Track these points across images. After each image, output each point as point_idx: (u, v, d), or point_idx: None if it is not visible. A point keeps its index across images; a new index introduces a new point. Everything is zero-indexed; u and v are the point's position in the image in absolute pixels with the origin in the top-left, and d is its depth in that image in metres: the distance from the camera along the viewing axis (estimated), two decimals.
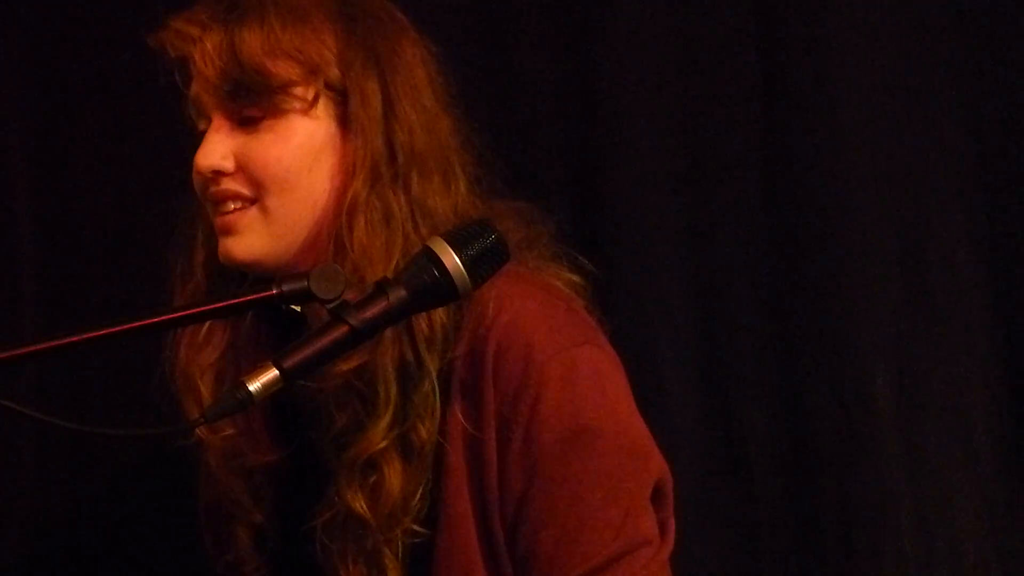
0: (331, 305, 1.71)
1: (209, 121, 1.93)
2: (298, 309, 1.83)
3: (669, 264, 2.59)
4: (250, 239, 1.91)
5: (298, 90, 1.89)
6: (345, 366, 1.85)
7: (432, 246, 1.73)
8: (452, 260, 1.72)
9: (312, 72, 1.89)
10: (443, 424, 1.89)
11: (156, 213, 2.69)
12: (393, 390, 1.86)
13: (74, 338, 1.69)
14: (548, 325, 1.88)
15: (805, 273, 2.56)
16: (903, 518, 2.50)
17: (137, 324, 1.71)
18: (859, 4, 2.54)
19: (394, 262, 1.86)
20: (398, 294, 1.72)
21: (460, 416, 1.88)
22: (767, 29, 2.58)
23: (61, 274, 2.76)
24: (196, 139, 1.96)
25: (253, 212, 1.91)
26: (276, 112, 1.90)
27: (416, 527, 1.88)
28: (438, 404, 1.87)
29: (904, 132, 2.54)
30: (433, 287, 1.73)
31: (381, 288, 1.72)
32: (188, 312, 1.76)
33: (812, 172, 2.56)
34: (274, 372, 1.66)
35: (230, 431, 1.98)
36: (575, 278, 1.99)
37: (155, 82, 2.68)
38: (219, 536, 2.08)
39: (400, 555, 1.89)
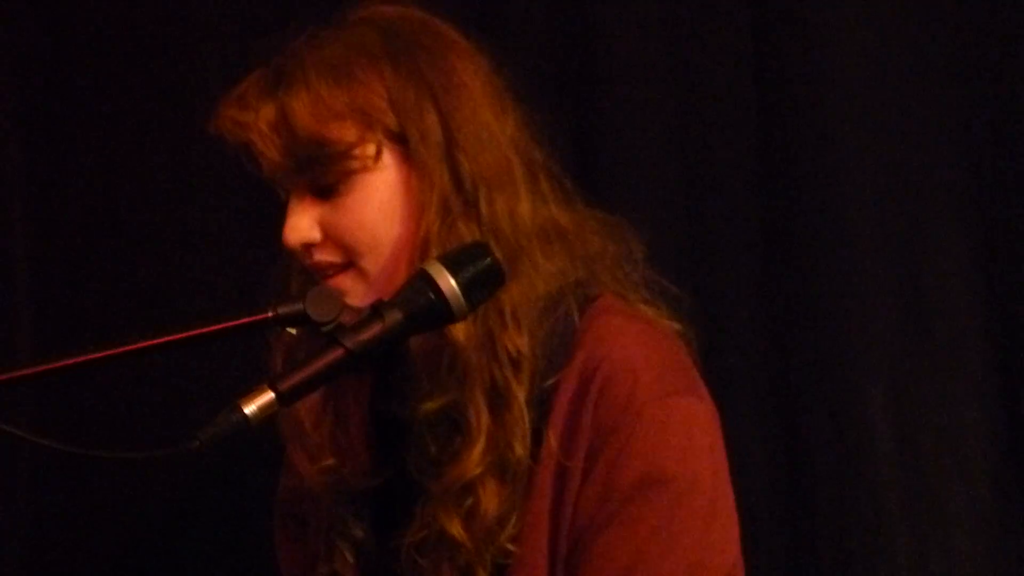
0: (326, 328, 1.72)
1: (288, 193, 1.93)
2: (293, 331, 1.83)
3: (663, 276, 2.59)
4: (355, 299, 1.88)
5: (358, 150, 1.88)
6: (433, 404, 1.87)
7: (427, 268, 1.74)
8: (447, 282, 1.72)
9: (368, 127, 1.88)
10: (537, 448, 1.90)
11: (154, 224, 2.73)
12: (485, 418, 1.87)
13: (71, 361, 1.69)
14: (657, 369, 1.89)
15: (800, 291, 2.57)
16: (898, 538, 2.50)
17: (133, 347, 1.71)
18: (854, 8, 2.55)
19: None
20: (394, 316, 1.72)
21: (554, 442, 1.88)
22: (762, 34, 2.58)
23: (57, 287, 2.77)
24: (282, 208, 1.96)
25: (351, 276, 1.91)
26: (345, 176, 1.88)
27: (509, 546, 1.89)
28: (527, 425, 1.87)
29: (900, 144, 2.55)
30: (429, 309, 1.73)
31: (377, 311, 1.72)
32: (184, 335, 1.76)
33: (807, 186, 2.56)
34: (270, 395, 1.66)
35: (330, 461, 1.99)
36: (677, 326, 2.00)
37: (154, 88, 2.71)
38: (297, 541, 2.09)
39: (490, 572, 1.90)
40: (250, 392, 1.66)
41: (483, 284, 1.75)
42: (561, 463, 1.88)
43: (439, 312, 1.73)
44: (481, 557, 1.89)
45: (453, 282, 1.73)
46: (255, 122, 1.88)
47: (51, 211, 2.77)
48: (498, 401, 1.87)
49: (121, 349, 1.70)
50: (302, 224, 1.90)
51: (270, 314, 1.75)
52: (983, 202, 2.54)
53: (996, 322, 2.53)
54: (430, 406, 1.87)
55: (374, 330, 1.71)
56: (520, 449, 1.87)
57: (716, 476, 1.92)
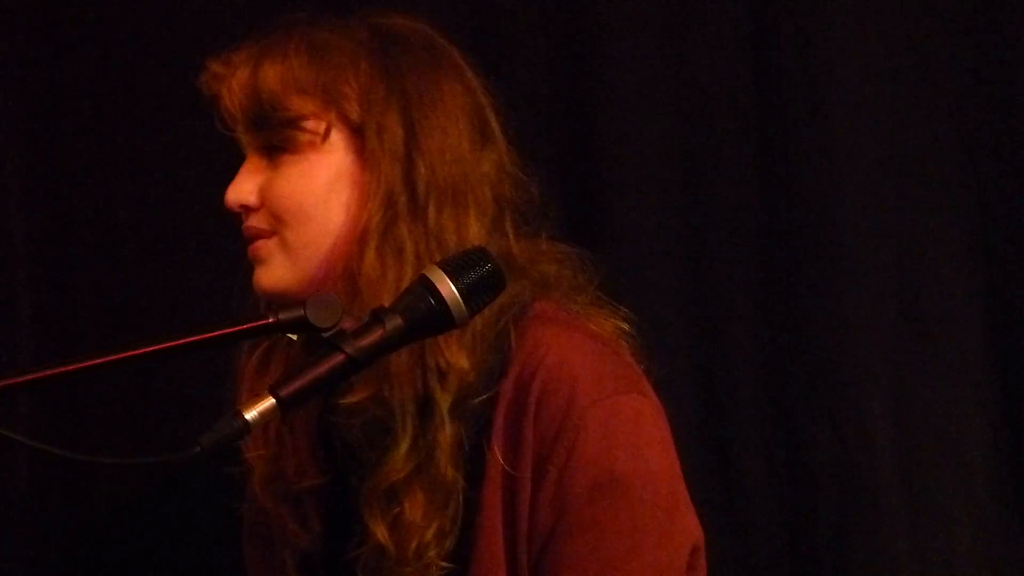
0: (327, 334, 1.72)
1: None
2: (294, 338, 1.84)
3: (663, 284, 2.59)
4: (272, 269, 1.94)
5: (310, 123, 1.92)
6: (353, 399, 1.88)
7: (428, 274, 1.73)
8: (448, 289, 1.72)
9: (326, 106, 1.92)
10: (480, 461, 1.90)
11: (155, 229, 2.73)
12: (410, 421, 1.88)
13: (72, 367, 1.69)
14: (594, 371, 1.89)
15: (800, 298, 2.57)
16: (899, 545, 2.50)
17: (134, 353, 1.71)
18: (853, 9, 2.55)
19: None
20: (394, 323, 1.72)
21: (498, 453, 1.89)
22: (761, 37, 2.58)
23: (57, 292, 2.76)
24: None
25: (273, 242, 1.94)
26: (292, 147, 1.93)
27: (444, 563, 1.89)
28: (450, 437, 1.88)
29: (900, 148, 2.55)
30: (429, 315, 1.73)
31: (377, 317, 1.72)
32: (185, 340, 1.76)
33: (806, 193, 2.56)
34: (271, 401, 1.66)
35: (275, 460, 2.00)
36: (623, 325, 2.00)
37: (153, 91, 2.71)
38: (264, 558, 2.10)
39: None
40: (252, 398, 1.66)
41: (484, 290, 1.75)
42: (508, 474, 1.88)
43: (440, 318, 1.73)
44: (418, 573, 1.89)
45: (454, 288, 1.72)
46: (229, 77, 1.94)
47: (50, 216, 2.77)
48: (424, 408, 1.88)
49: (122, 355, 1.70)
50: (244, 187, 1.95)
51: (271, 320, 1.74)
52: (983, 207, 2.54)
53: (996, 327, 2.53)
54: (351, 399, 1.88)
55: (375, 336, 1.71)
56: (445, 460, 1.88)
57: (671, 469, 1.92)
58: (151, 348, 1.72)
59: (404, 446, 1.87)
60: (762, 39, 2.58)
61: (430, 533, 1.88)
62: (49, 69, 2.77)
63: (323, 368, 1.69)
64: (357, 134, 1.93)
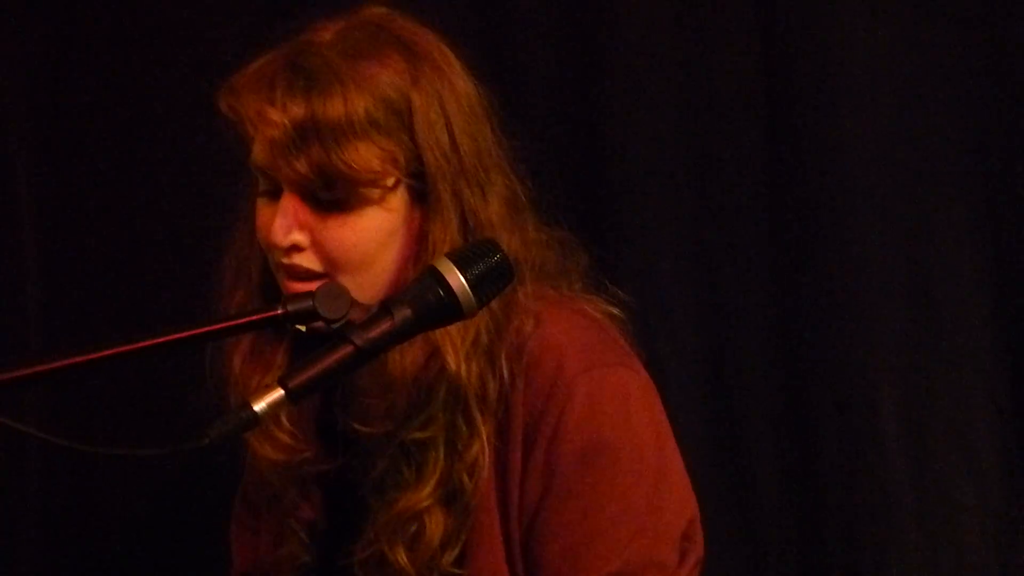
0: (336, 325, 1.71)
1: (276, 187, 1.90)
2: (303, 329, 1.83)
3: (673, 274, 2.60)
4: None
5: (381, 180, 1.87)
6: (422, 435, 1.88)
7: (437, 265, 1.73)
8: (457, 279, 1.72)
9: (393, 161, 1.87)
10: None
11: (162, 220, 2.73)
12: (442, 454, 1.89)
13: (79, 358, 1.68)
14: (581, 344, 1.91)
15: (810, 288, 2.57)
16: (908, 534, 2.51)
17: (142, 344, 1.70)
18: (862, 6, 2.55)
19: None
20: (403, 314, 1.71)
21: (490, 430, 1.90)
22: (770, 32, 2.58)
23: (65, 284, 2.77)
24: (252, 191, 1.94)
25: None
26: (356, 201, 1.87)
27: (452, 569, 1.91)
28: (487, 461, 1.89)
29: (908, 139, 2.55)
30: (438, 306, 1.73)
31: (386, 308, 1.72)
32: (194, 332, 1.76)
33: (816, 186, 2.57)
34: (279, 392, 1.66)
35: (286, 438, 1.98)
36: (613, 310, 2.01)
37: (162, 81, 2.71)
38: (253, 539, 2.11)
39: None
40: (260, 390, 1.66)
41: (493, 281, 1.74)
42: (497, 449, 1.90)
43: (448, 309, 1.73)
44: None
45: (462, 279, 1.72)
46: (281, 120, 1.85)
47: (60, 207, 2.77)
48: (459, 437, 1.89)
49: (129, 346, 1.70)
50: (293, 228, 1.88)
51: (280, 311, 1.74)
52: (991, 196, 2.54)
53: (1004, 316, 2.53)
54: (418, 435, 1.88)
55: (383, 327, 1.71)
56: (471, 480, 1.89)
57: (660, 441, 1.93)
58: (160, 339, 1.72)
59: (433, 481, 1.89)
60: (771, 33, 2.58)
61: (447, 544, 1.90)
62: (58, 60, 2.77)
63: (331, 359, 1.69)
64: (419, 180, 1.89)
